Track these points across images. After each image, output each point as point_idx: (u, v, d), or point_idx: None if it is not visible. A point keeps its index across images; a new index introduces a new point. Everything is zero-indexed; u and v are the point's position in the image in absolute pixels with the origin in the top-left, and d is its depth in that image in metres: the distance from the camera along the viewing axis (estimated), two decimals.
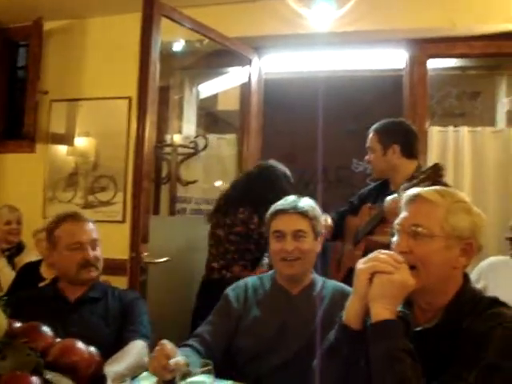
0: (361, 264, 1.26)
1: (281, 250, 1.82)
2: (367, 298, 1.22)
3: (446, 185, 2.04)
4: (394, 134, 2.46)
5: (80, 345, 0.85)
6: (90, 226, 2.03)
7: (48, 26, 3.59)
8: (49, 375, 0.72)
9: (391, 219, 2.23)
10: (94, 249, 1.99)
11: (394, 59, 3.59)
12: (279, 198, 1.98)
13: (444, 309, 1.23)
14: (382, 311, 1.18)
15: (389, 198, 2.26)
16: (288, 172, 2.93)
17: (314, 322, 1.71)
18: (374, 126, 2.52)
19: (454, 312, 1.22)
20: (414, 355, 1.12)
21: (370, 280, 1.21)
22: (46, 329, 0.89)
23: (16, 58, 3.96)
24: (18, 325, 0.90)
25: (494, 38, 3.18)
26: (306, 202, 1.89)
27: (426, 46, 3.30)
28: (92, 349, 0.88)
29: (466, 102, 4.71)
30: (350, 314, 1.28)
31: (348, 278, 1.39)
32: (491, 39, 3.19)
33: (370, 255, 1.26)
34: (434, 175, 2.04)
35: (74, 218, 2.02)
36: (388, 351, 1.13)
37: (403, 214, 1.30)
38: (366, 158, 2.55)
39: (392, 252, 1.25)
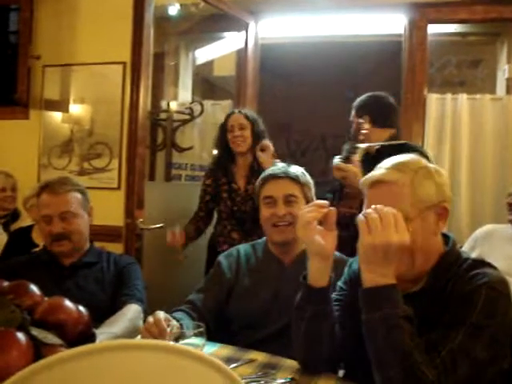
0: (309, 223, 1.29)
1: (272, 215, 1.78)
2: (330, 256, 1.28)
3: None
4: (365, 106, 2.62)
5: (68, 303, 0.85)
6: (67, 196, 1.94)
7: None
8: (35, 331, 0.72)
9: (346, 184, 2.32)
10: (63, 221, 1.92)
11: (394, 24, 3.52)
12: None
13: (429, 272, 1.22)
14: (371, 276, 1.13)
15: (334, 163, 2.30)
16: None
17: None
18: (354, 103, 2.69)
19: (439, 274, 1.21)
20: (412, 321, 1.10)
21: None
22: (34, 287, 0.89)
23: (7, 23, 3.87)
24: (5, 284, 0.90)
25: (495, 3, 3.13)
26: (297, 169, 1.88)
27: (426, 11, 3.23)
28: (81, 308, 0.88)
29: (466, 71, 4.65)
30: (315, 274, 1.30)
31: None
32: (492, 4, 3.13)
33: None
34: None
35: (49, 188, 1.94)
36: (384, 319, 1.09)
37: (370, 203, 1.20)
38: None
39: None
